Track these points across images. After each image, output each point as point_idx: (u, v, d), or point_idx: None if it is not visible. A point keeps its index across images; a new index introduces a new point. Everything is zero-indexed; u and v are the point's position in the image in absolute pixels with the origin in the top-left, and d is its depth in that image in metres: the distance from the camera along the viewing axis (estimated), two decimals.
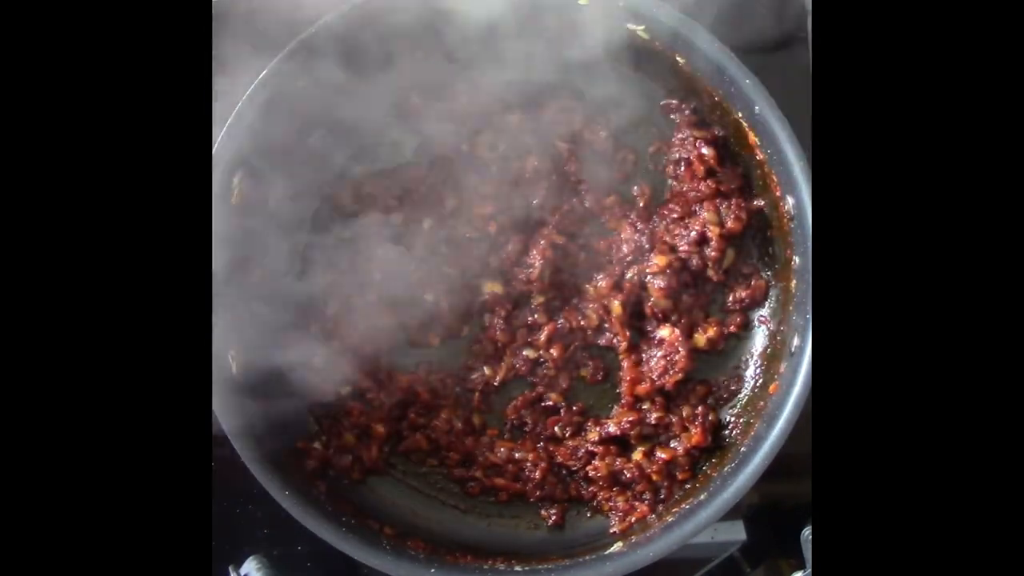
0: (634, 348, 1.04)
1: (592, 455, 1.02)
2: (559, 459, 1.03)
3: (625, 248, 1.04)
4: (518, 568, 0.96)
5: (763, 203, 1.02)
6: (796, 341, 0.96)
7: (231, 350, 0.95)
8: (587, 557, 0.96)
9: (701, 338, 1.03)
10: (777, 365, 0.99)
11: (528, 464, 1.03)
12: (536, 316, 1.05)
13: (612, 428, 1.02)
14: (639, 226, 1.05)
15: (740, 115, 0.97)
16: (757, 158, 0.99)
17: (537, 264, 1.04)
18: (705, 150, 1.03)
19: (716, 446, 1.01)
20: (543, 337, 1.04)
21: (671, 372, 1.01)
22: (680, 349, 1.01)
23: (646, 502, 1.00)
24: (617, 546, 0.97)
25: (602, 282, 1.04)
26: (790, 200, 0.96)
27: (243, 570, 0.95)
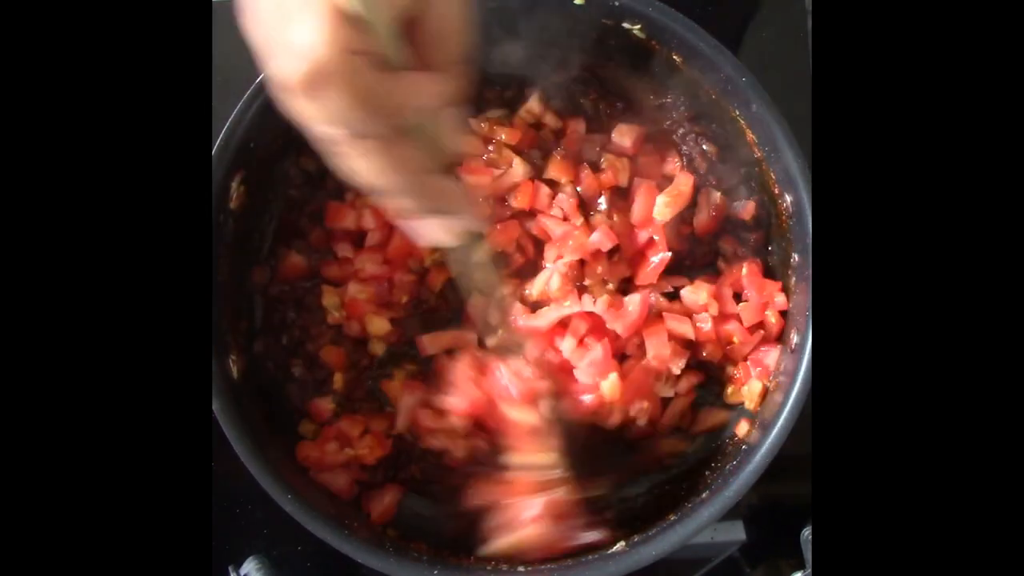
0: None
1: None
2: None
3: None
4: (520, 568, 0.96)
5: (762, 201, 1.02)
6: (795, 339, 0.95)
7: (231, 353, 0.96)
8: (588, 557, 0.96)
9: None
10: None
11: None
12: None
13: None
14: None
15: (737, 112, 0.96)
16: (755, 156, 0.99)
17: None
18: (704, 147, 1.03)
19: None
20: None
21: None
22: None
23: None
24: (618, 546, 0.96)
25: None
26: (788, 198, 0.95)
27: (243, 570, 0.95)
